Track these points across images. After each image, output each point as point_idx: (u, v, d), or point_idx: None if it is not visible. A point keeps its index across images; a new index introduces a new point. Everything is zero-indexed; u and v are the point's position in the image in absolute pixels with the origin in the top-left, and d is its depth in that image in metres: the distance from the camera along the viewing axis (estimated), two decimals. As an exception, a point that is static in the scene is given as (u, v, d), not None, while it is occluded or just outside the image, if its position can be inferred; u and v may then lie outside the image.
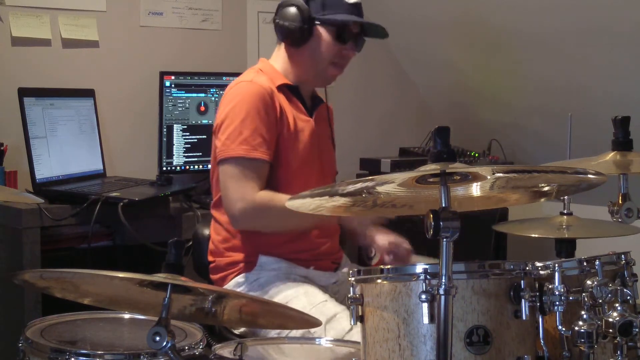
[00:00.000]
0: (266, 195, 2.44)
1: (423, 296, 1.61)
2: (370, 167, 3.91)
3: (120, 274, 1.64)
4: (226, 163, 2.46)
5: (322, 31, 2.55)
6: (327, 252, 2.63)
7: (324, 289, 2.55)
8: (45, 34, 3.45)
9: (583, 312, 1.74)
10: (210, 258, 2.64)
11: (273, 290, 2.47)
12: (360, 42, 2.61)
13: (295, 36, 2.55)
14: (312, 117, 2.65)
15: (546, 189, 1.78)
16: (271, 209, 2.43)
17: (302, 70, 2.60)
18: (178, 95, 3.62)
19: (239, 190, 2.43)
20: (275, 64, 2.63)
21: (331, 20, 2.54)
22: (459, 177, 1.64)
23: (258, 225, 2.49)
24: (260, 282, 2.52)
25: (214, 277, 2.61)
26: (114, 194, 3.08)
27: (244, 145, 2.44)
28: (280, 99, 2.55)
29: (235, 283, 2.54)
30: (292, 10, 2.53)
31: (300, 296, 2.38)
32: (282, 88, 2.58)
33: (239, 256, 2.56)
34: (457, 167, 1.59)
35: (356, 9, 2.57)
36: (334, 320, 2.31)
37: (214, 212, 2.64)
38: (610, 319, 1.75)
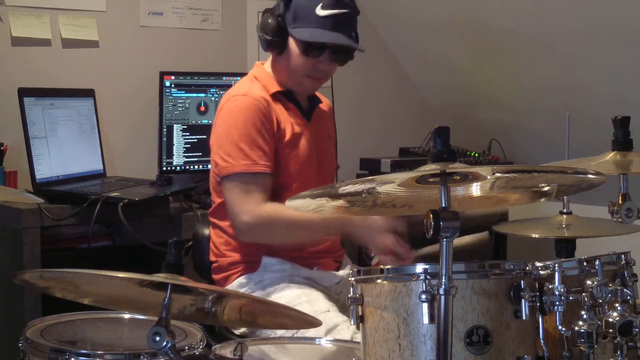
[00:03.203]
0: (272, 208, 2.43)
1: (423, 296, 1.61)
2: (370, 167, 3.91)
3: (120, 274, 1.64)
4: (229, 180, 2.46)
5: (292, 44, 2.51)
6: (328, 249, 2.64)
7: (327, 290, 2.56)
8: (45, 34, 3.45)
9: (583, 312, 1.74)
10: (212, 258, 2.63)
11: (276, 295, 2.47)
12: (340, 55, 2.52)
13: (271, 47, 2.53)
14: (309, 120, 2.64)
15: (546, 189, 1.78)
16: (278, 222, 2.44)
17: (283, 78, 2.58)
18: (178, 95, 3.62)
19: (244, 205, 2.42)
20: (269, 69, 2.62)
21: (297, 36, 2.48)
22: (459, 177, 1.64)
23: (264, 237, 2.49)
24: (263, 284, 2.52)
25: (216, 277, 2.61)
26: (114, 194, 3.07)
27: (245, 160, 2.44)
28: (276, 108, 2.54)
29: (239, 284, 2.54)
30: (268, 20, 2.50)
31: (303, 304, 2.38)
32: (276, 96, 2.56)
33: (241, 256, 2.56)
34: (457, 167, 1.59)
35: (330, 21, 2.45)
36: (335, 331, 2.31)
37: (212, 219, 2.63)
38: (610, 319, 1.75)
